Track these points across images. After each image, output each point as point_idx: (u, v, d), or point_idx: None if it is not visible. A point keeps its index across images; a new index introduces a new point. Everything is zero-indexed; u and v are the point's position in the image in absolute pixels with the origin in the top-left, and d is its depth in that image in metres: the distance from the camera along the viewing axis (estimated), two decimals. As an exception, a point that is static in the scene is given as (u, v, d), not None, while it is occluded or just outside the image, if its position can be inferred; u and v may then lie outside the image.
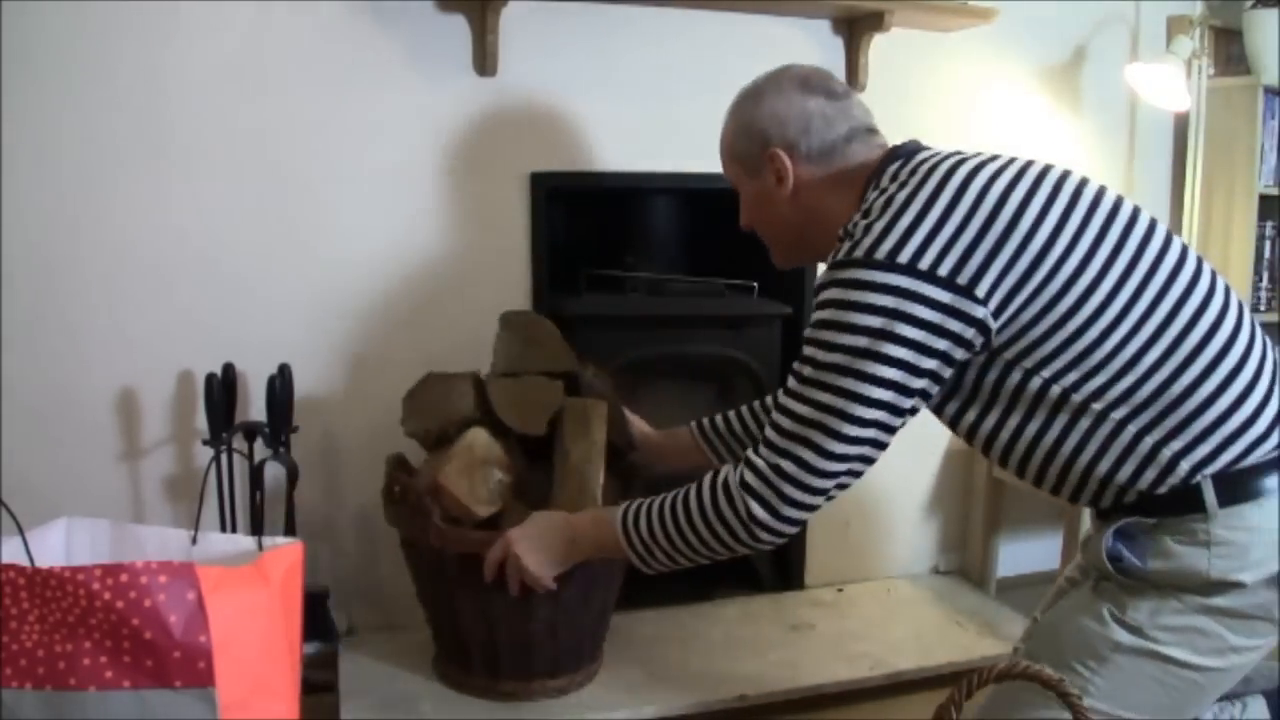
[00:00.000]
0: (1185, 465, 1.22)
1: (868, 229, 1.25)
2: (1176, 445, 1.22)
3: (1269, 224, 2.63)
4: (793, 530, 1.33)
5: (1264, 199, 2.58)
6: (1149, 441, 1.22)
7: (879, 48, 2.28)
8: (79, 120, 1.86)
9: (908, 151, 1.39)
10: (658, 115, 2.16)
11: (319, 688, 1.84)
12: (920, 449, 2.49)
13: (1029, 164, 1.32)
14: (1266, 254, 2.64)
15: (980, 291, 1.21)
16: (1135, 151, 2.63)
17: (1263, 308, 2.65)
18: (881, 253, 1.23)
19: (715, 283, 2.23)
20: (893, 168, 1.36)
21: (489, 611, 1.77)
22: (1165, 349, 1.22)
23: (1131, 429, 1.23)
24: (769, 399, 1.78)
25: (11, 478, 1.85)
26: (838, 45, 2.29)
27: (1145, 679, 1.24)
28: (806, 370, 1.28)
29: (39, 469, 1.89)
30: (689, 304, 2.25)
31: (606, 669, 1.98)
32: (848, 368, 1.24)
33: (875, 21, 2.19)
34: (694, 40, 2.17)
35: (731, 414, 1.80)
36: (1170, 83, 2.40)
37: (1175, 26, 2.53)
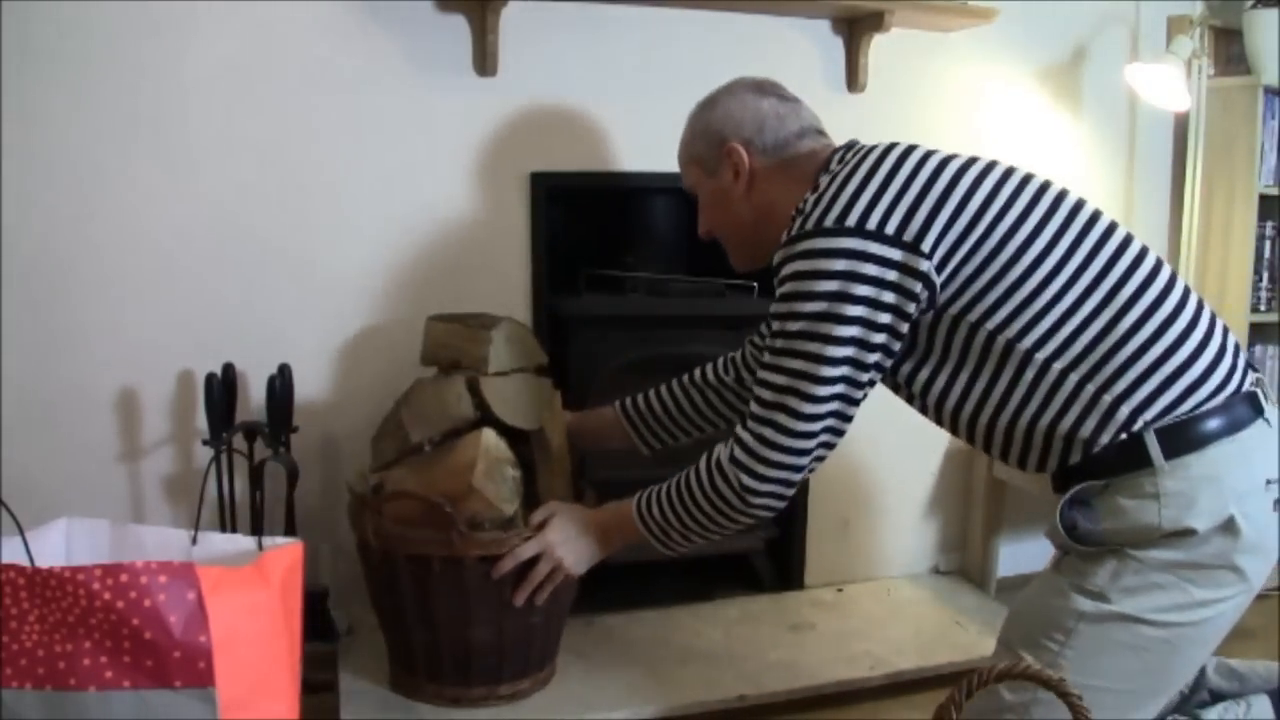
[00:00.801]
0: (1125, 410, 1.28)
1: (817, 202, 1.38)
2: (1116, 389, 1.28)
3: (1269, 224, 2.63)
4: (783, 495, 1.43)
5: (1264, 199, 2.58)
6: (1089, 389, 1.29)
7: (879, 48, 2.28)
8: (79, 120, 1.86)
9: (854, 146, 1.49)
10: (658, 115, 2.15)
11: (319, 688, 1.84)
12: (920, 449, 2.49)
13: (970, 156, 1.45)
14: (1266, 254, 2.63)
15: (925, 246, 1.31)
16: (1135, 151, 2.63)
17: (1263, 307, 2.65)
18: (830, 219, 1.34)
19: (715, 283, 2.23)
20: (840, 154, 1.49)
21: (476, 614, 1.78)
22: (1101, 299, 1.30)
23: (1073, 377, 1.30)
24: (686, 377, 1.90)
25: (11, 478, 1.85)
26: (838, 45, 2.29)
27: (1114, 645, 1.27)
28: (778, 343, 1.39)
29: (39, 469, 1.89)
30: (689, 304, 2.24)
31: (607, 669, 1.98)
32: (812, 333, 1.35)
33: (875, 21, 2.19)
34: (694, 40, 2.17)
35: (653, 393, 1.91)
36: (1170, 83, 2.40)
37: (1175, 26, 2.53)
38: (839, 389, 1.36)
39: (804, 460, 1.40)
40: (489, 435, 1.79)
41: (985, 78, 2.42)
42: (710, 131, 1.58)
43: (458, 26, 2.04)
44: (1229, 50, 2.67)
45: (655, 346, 2.21)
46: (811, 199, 1.39)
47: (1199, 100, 2.54)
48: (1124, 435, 1.28)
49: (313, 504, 2.05)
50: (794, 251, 1.37)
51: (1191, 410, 1.27)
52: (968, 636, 2.18)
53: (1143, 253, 1.36)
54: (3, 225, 1.85)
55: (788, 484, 1.42)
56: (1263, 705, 1.44)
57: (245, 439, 1.86)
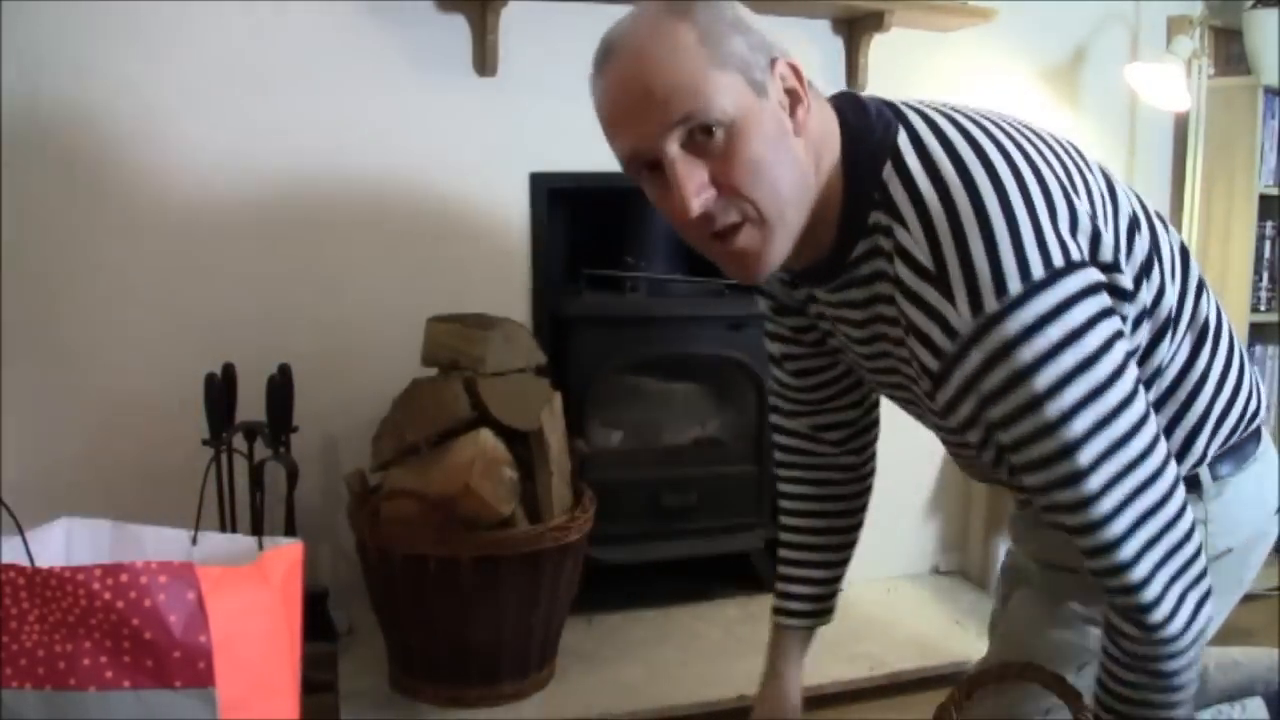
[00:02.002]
0: (1201, 442, 1.12)
1: (989, 257, 0.92)
2: (1192, 422, 1.11)
3: (1269, 224, 2.63)
4: (1205, 601, 1.01)
5: (1264, 199, 2.58)
6: (1182, 425, 1.11)
7: (879, 48, 2.28)
8: (79, 119, 1.86)
9: (867, 106, 1.07)
10: (658, 115, 2.16)
11: (319, 688, 1.84)
12: (920, 449, 2.49)
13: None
14: (1266, 254, 2.63)
15: (1123, 263, 1.01)
16: (1135, 151, 2.63)
17: (1263, 308, 2.65)
18: (1042, 266, 0.92)
19: (715, 283, 2.23)
20: (871, 126, 1.04)
21: (474, 614, 1.78)
22: (1187, 323, 1.10)
23: (1166, 412, 1.10)
24: (797, 523, 1.43)
25: (11, 478, 1.85)
26: (838, 45, 2.29)
27: None
28: (1081, 462, 0.94)
29: (39, 469, 1.89)
30: (689, 304, 2.24)
31: (607, 669, 1.98)
32: (1109, 417, 0.94)
33: (875, 21, 2.20)
34: (694, 40, 2.17)
35: (794, 585, 1.42)
36: (1170, 83, 2.40)
37: (1175, 26, 2.53)
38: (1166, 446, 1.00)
39: (1203, 558, 1.01)
40: (486, 435, 1.79)
41: (985, 78, 2.42)
42: (746, 27, 0.99)
43: (458, 26, 2.04)
44: (1229, 50, 2.67)
45: (655, 346, 2.22)
46: (953, 248, 0.93)
47: (1199, 100, 2.54)
48: (1197, 468, 1.12)
49: (313, 504, 2.04)
50: (1009, 335, 0.92)
51: (1238, 431, 1.15)
52: (968, 636, 2.18)
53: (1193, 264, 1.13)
54: (3, 227, 1.85)
55: (1204, 596, 1.01)
56: (1258, 706, 1.44)
57: (245, 439, 1.86)
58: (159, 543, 1.39)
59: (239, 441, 1.85)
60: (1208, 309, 1.13)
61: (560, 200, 2.16)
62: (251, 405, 1.97)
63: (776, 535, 1.48)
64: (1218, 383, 1.12)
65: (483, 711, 1.82)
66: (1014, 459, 0.98)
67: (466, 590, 1.75)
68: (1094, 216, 0.99)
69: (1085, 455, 0.93)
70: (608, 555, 2.09)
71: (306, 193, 2.00)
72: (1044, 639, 1.19)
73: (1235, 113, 2.57)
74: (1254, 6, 2.51)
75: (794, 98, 1.00)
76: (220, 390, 1.85)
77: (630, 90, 0.98)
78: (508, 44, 2.05)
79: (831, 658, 2.06)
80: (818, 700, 1.96)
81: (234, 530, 1.87)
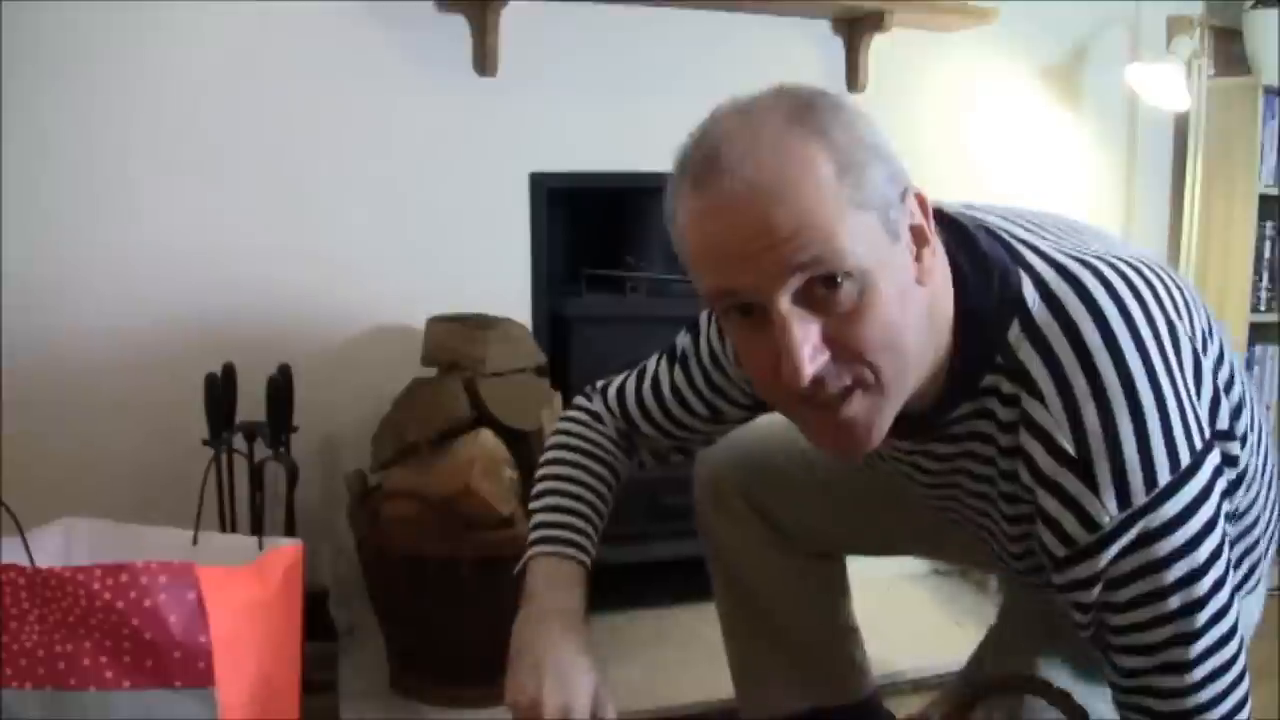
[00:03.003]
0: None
1: (1140, 449, 0.83)
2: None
3: (1269, 224, 2.63)
4: None
5: (1264, 199, 2.58)
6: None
7: (879, 48, 2.28)
8: (79, 120, 1.86)
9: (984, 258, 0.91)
10: (657, 115, 2.14)
11: (319, 688, 1.83)
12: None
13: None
14: (1266, 254, 2.63)
15: (1238, 430, 0.93)
16: (1135, 151, 2.63)
17: (1263, 308, 2.65)
18: (1188, 453, 0.84)
19: (715, 283, 2.23)
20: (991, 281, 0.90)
21: (474, 613, 1.78)
22: None
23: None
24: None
25: (11, 478, 1.84)
26: (838, 45, 2.29)
27: None
28: (1193, 653, 0.86)
29: (39, 469, 1.89)
30: (689, 304, 2.23)
31: (607, 669, 1.97)
32: (1225, 608, 0.87)
33: (875, 21, 2.20)
34: (694, 40, 2.17)
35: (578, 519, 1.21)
36: (1170, 83, 2.40)
37: (1175, 26, 2.52)
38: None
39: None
40: (486, 436, 1.79)
41: (985, 78, 2.42)
42: (889, 158, 0.85)
43: (458, 26, 2.04)
44: (1229, 50, 2.67)
45: (655, 346, 2.20)
46: (1094, 413, 0.83)
47: (1199, 100, 2.54)
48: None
49: (313, 504, 2.04)
50: (1156, 526, 0.83)
51: None
52: (968, 637, 2.18)
53: None
54: (3, 225, 1.85)
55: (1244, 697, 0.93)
56: None
57: (245, 439, 1.86)
58: (159, 543, 1.39)
59: (239, 441, 1.85)
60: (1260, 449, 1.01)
61: (560, 200, 2.16)
62: (251, 405, 1.97)
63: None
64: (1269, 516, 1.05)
65: (483, 711, 1.82)
66: (1117, 640, 0.89)
67: (466, 590, 1.75)
68: (1214, 375, 0.91)
69: (1198, 647, 0.86)
70: (608, 555, 2.09)
71: (306, 192, 2.00)
72: (1047, 648, 1.14)
73: (1235, 113, 2.57)
74: (1254, 6, 2.51)
75: (920, 238, 0.86)
76: (220, 390, 1.85)
77: (743, 223, 0.80)
78: (508, 44, 2.05)
79: (831, 658, 2.06)
80: (818, 700, 1.96)
81: (234, 530, 1.87)
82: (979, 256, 0.90)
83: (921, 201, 0.87)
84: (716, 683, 1.94)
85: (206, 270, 1.96)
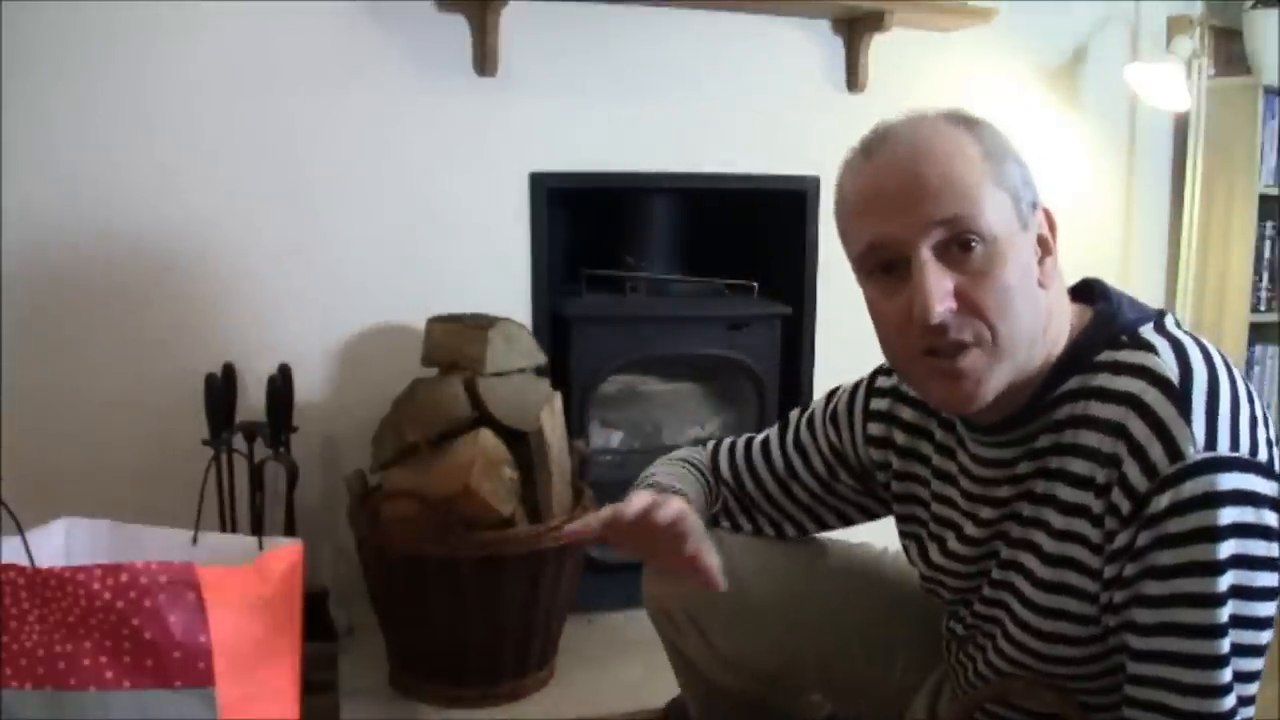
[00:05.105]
0: None
1: (1208, 425, 0.88)
2: None
3: (1269, 224, 2.63)
4: None
5: (1264, 199, 2.59)
6: None
7: (879, 48, 2.28)
8: (79, 120, 1.86)
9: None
10: (657, 115, 2.16)
11: (319, 688, 1.84)
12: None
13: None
14: (1266, 254, 2.64)
15: None
16: (1135, 151, 2.63)
17: (1263, 308, 2.65)
18: (1250, 451, 0.88)
19: (715, 283, 2.23)
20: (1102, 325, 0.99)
21: (473, 613, 1.78)
22: None
23: None
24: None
25: (11, 478, 1.84)
26: (838, 45, 2.29)
27: None
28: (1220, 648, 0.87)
29: (39, 469, 1.89)
30: (689, 304, 2.25)
31: (607, 669, 1.98)
32: (1264, 620, 0.88)
33: (875, 21, 2.20)
34: (694, 40, 2.17)
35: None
36: (1170, 83, 2.40)
37: (1175, 26, 2.53)
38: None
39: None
40: (486, 436, 1.80)
41: (985, 78, 2.42)
42: (1025, 166, 0.98)
43: (458, 26, 2.04)
44: (1229, 50, 2.67)
45: (655, 346, 2.22)
46: (1228, 410, 0.88)
47: (1199, 100, 2.54)
48: None
49: (313, 504, 2.04)
50: (1221, 487, 0.86)
51: None
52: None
53: None
54: (4, 225, 1.85)
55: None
56: None
57: (245, 439, 1.86)
58: (159, 543, 1.39)
59: (239, 442, 1.85)
60: None
61: (560, 200, 2.16)
62: (251, 405, 1.97)
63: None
64: None
65: (482, 711, 1.82)
66: (1148, 617, 0.88)
67: (466, 590, 1.75)
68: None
69: (1225, 644, 0.86)
70: (608, 555, 2.09)
71: (306, 192, 2.00)
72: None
73: (1235, 113, 2.57)
74: (1254, 6, 2.51)
75: (1045, 247, 0.97)
76: (220, 390, 1.85)
77: (901, 176, 0.94)
78: (508, 44, 2.05)
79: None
80: (818, 700, 1.96)
81: (234, 530, 1.87)
82: (1109, 308, 1.00)
83: (1049, 217, 0.98)
84: (716, 683, 1.95)
85: (207, 270, 1.96)
